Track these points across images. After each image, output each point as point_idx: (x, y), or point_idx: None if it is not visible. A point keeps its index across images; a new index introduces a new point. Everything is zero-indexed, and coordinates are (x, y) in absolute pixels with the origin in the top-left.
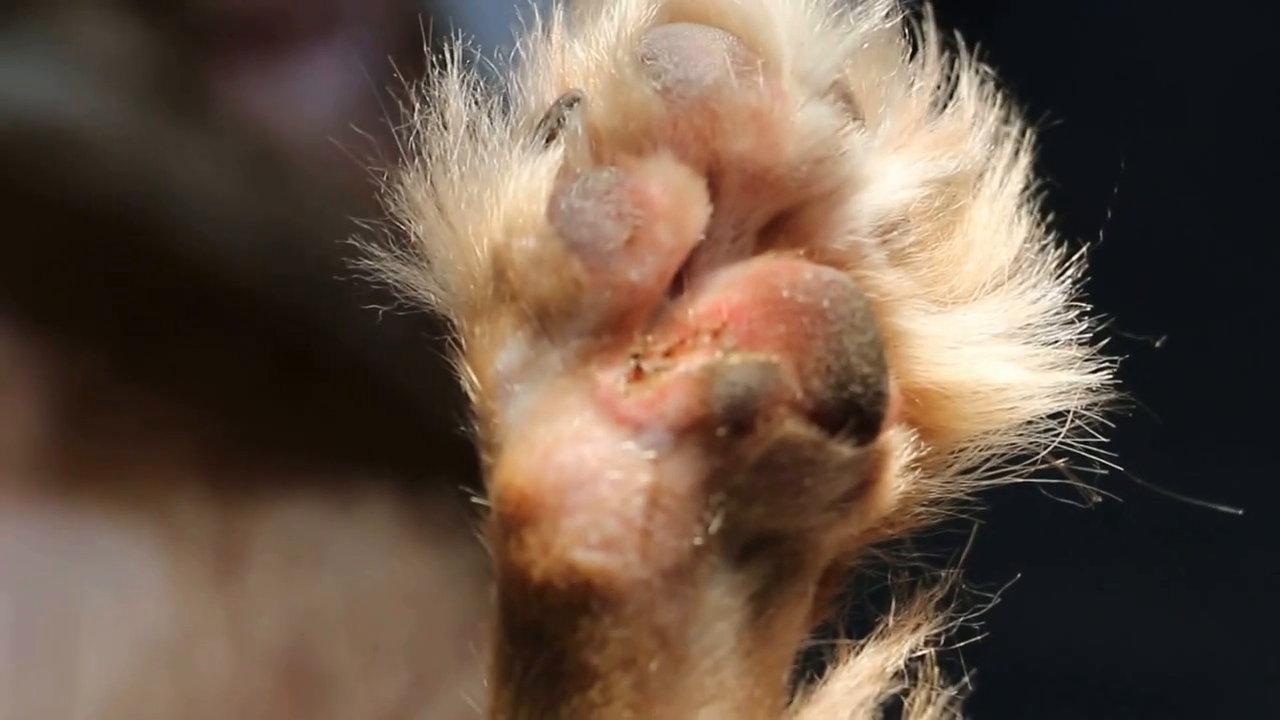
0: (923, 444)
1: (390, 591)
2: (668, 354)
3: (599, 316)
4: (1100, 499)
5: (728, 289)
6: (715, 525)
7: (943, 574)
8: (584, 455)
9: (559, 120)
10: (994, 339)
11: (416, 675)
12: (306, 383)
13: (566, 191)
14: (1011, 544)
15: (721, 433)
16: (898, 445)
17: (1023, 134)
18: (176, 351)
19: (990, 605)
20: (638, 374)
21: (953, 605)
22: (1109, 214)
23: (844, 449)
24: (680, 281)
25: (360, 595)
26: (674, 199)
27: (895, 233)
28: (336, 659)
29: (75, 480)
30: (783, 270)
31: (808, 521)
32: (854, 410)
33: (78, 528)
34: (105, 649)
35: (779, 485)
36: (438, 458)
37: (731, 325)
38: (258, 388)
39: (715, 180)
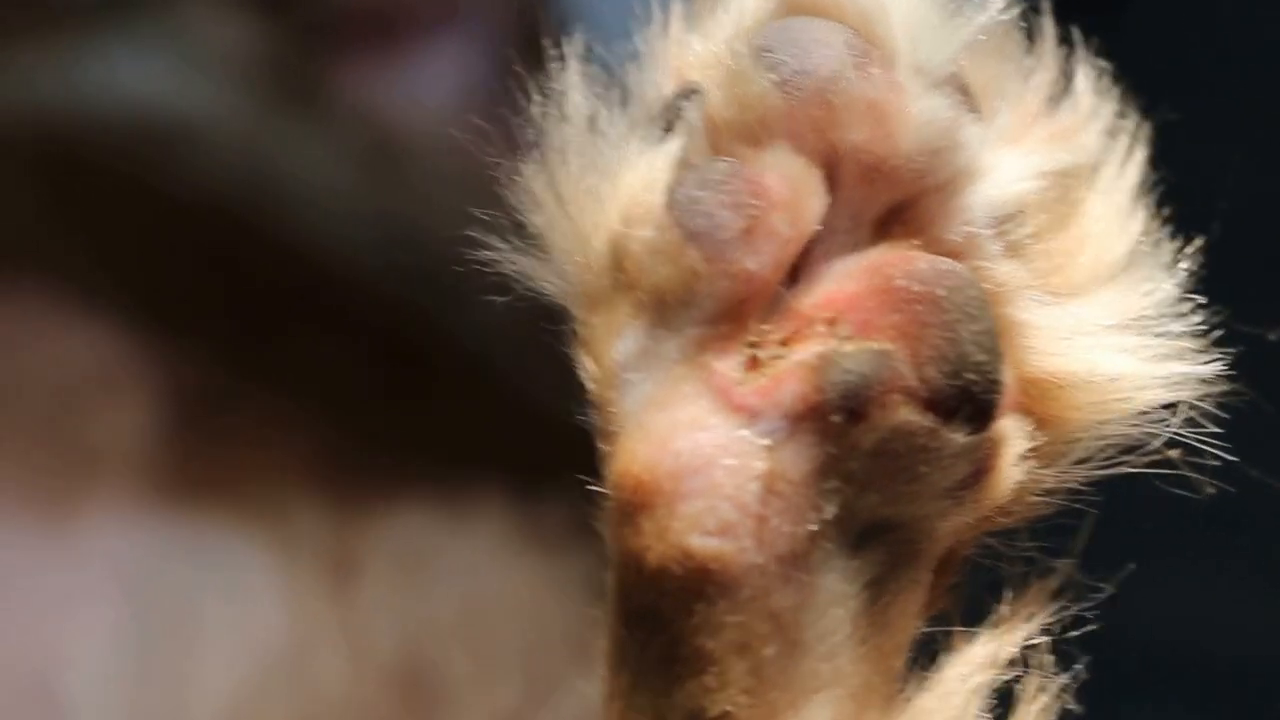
0: (1037, 433)
1: (504, 599)
2: (783, 343)
3: (715, 305)
4: (1214, 490)
5: (843, 279)
6: (830, 512)
7: (1057, 564)
8: (700, 442)
9: (676, 112)
10: (1108, 330)
11: (530, 683)
12: (421, 382)
13: (684, 182)
14: (1125, 534)
15: (836, 420)
16: (1012, 434)
17: (1138, 129)
18: (290, 349)
19: (1103, 595)
20: (753, 362)
21: (1067, 595)
22: (1223, 208)
23: (958, 436)
24: (796, 271)
25: (474, 603)
26: (790, 189)
27: (1010, 224)
28: (451, 668)
29: (189, 483)
30: (898, 260)
31: (922, 509)
32: (968, 398)
33: (193, 533)
34: (221, 658)
35: (893, 472)
36: (552, 460)
37: (846, 314)
38: (372, 387)
39: (831, 171)
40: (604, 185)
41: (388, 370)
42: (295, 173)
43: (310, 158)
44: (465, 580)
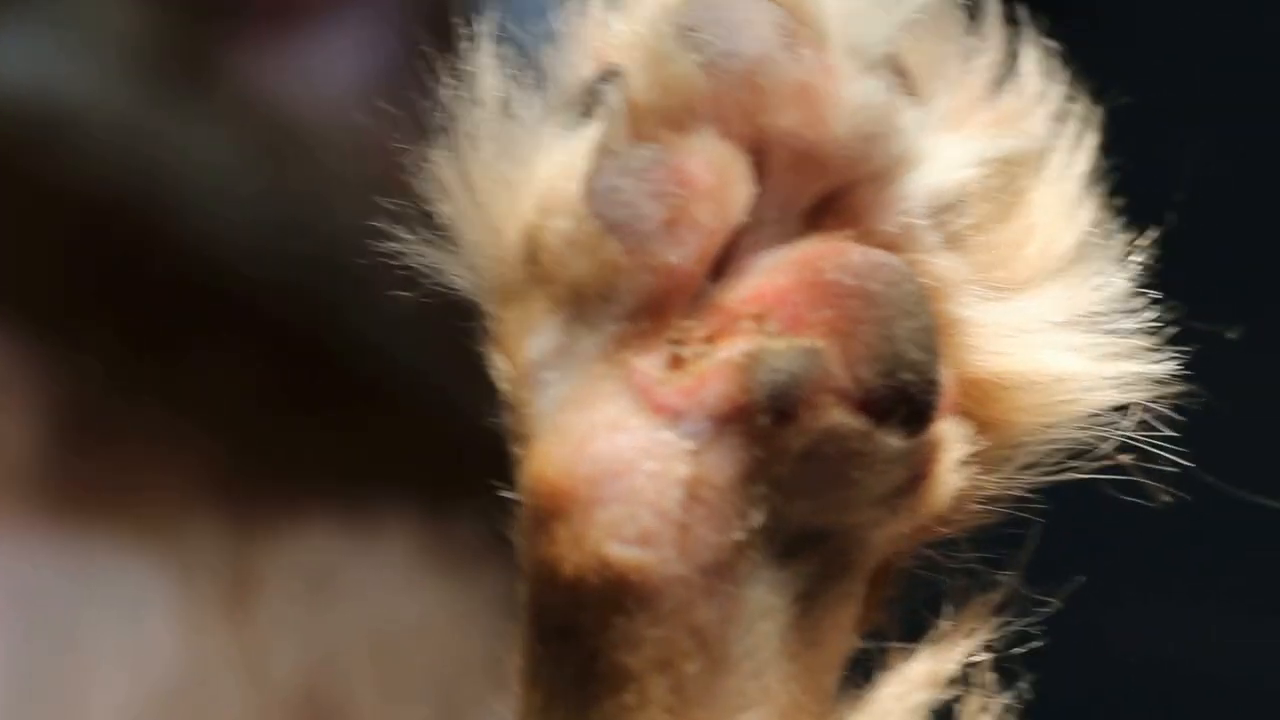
0: (979, 437)
1: (414, 621)
2: (708, 340)
3: (636, 300)
4: (1169, 498)
5: (772, 272)
6: (757, 520)
7: (1000, 576)
8: (619, 445)
9: (596, 96)
10: (1055, 327)
11: (442, 710)
12: (325, 389)
13: (603, 170)
14: (1074, 545)
15: (763, 422)
16: (951, 438)
17: (1089, 113)
18: (184, 355)
19: (1050, 610)
20: (676, 360)
21: (1011, 609)
22: (1180, 198)
23: (893, 440)
24: (722, 265)
25: (382, 625)
26: (716, 177)
27: (950, 214)
28: (356, 695)
29: (78, 501)
30: (830, 252)
31: (856, 517)
32: (904, 399)
33: (82, 552)
34: (112, 682)
35: (824, 478)
36: (465, 472)
37: (775, 310)
38: (273, 395)
39: (760, 158)
40: (518, 173)
41: (290, 377)
42: (189, 163)
43: (205, 147)
44: (373, 601)
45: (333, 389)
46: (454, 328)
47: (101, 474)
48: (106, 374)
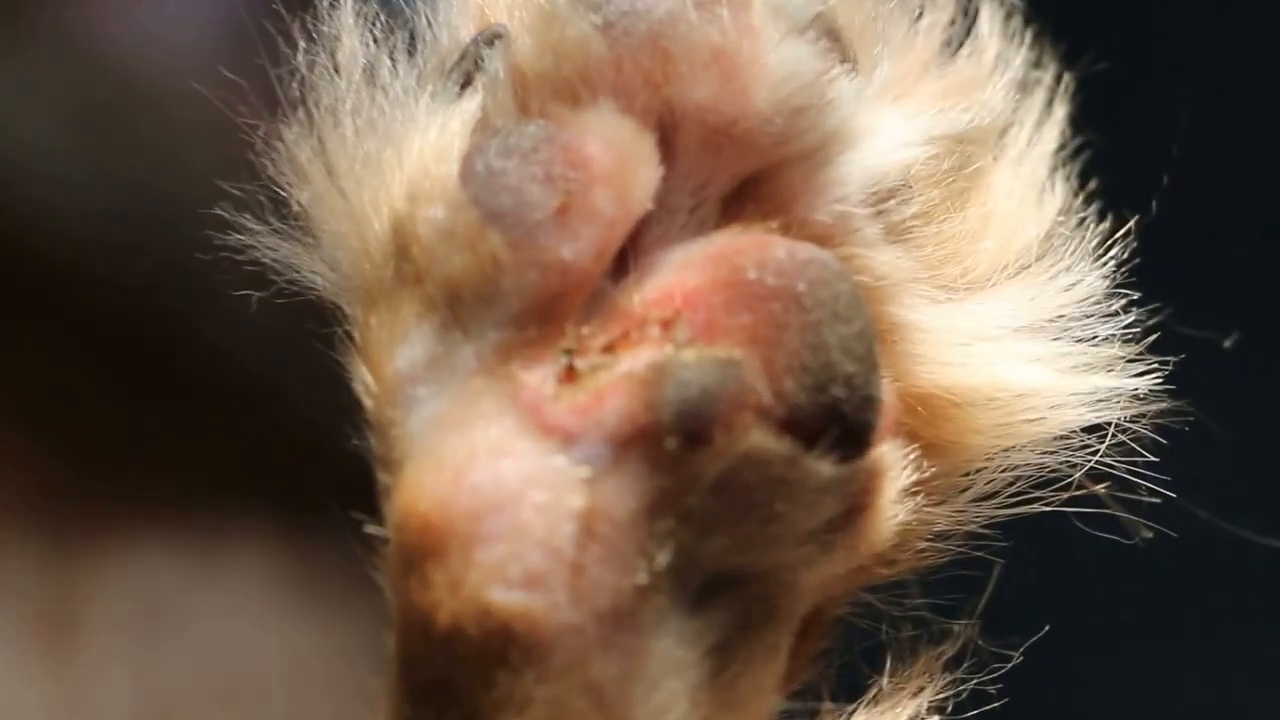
0: (927, 463)
1: (263, 659)
2: (607, 349)
3: (523, 303)
4: (1150, 533)
5: (683, 270)
6: (663, 559)
7: (953, 626)
8: (503, 473)
9: (476, 62)
10: (1016, 334)
11: None
12: (160, 396)
13: (484, 149)
14: (1038, 590)
15: (671, 445)
16: (894, 463)
17: (1058, 80)
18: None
19: (1010, 665)
20: (570, 373)
21: (964, 664)
22: (1164, 182)
23: (824, 466)
24: (624, 261)
25: (226, 665)
26: (616, 158)
27: (893, 201)
28: None
29: None
30: (750, 247)
31: (781, 557)
32: (835, 418)
33: None
34: None
35: (743, 511)
36: (325, 486)
37: (686, 314)
38: (101, 402)
39: (669, 136)
40: (386, 153)
41: (119, 382)
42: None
43: (18, 113)
44: (217, 635)
45: (170, 391)
46: (309, 333)
47: None
48: None
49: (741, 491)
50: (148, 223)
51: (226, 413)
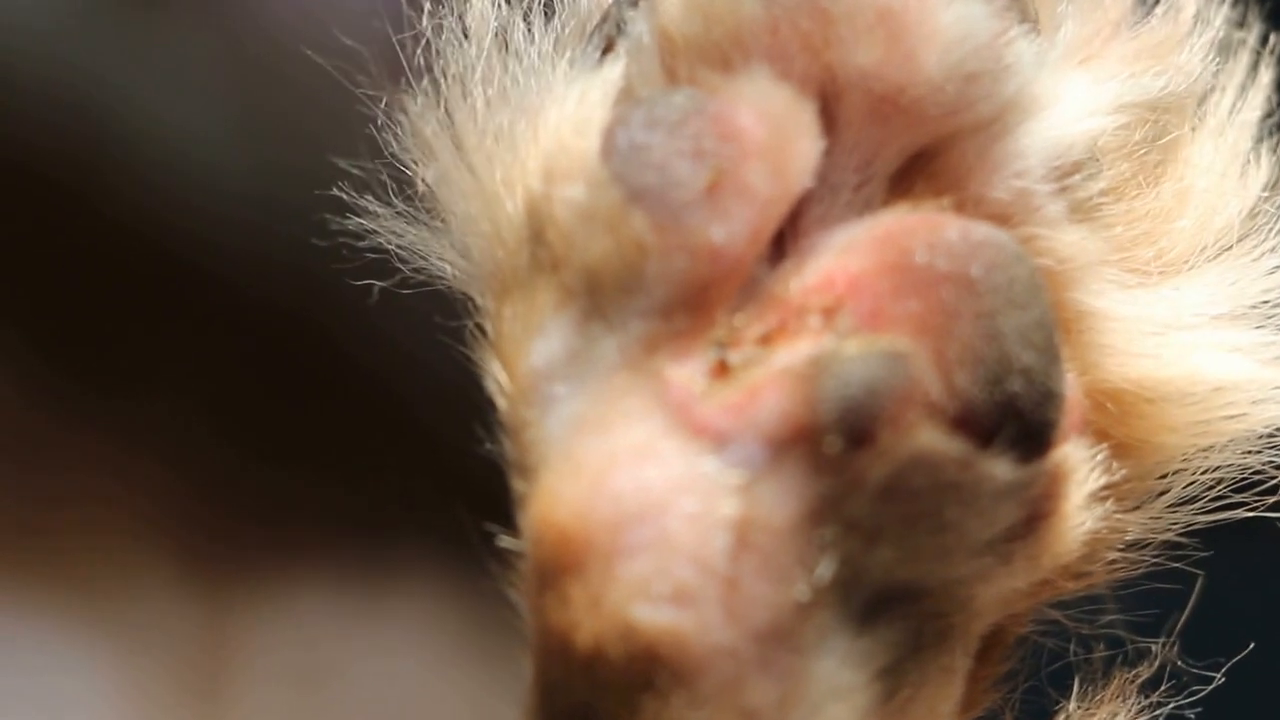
0: (1117, 465)
1: (437, 712)
2: (762, 341)
3: (670, 291)
4: None
5: (845, 253)
6: (825, 572)
7: (1150, 645)
8: (648, 478)
9: (618, 25)
10: (1215, 321)
11: None
12: (323, 423)
13: (627, 121)
14: (1243, 604)
15: (833, 446)
16: (1079, 465)
17: (1264, 41)
18: (129, 371)
19: (1212, 687)
20: (722, 368)
21: (1163, 687)
22: None
23: (1001, 468)
24: (781, 244)
25: (392, 716)
26: (772, 130)
27: (1079, 176)
28: None
29: None
30: (920, 227)
31: (955, 569)
32: (1013, 415)
33: None
34: None
35: (913, 518)
36: (498, 522)
37: (849, 301)
38: (251, 421)
39: (830, 106)
40: (519, 126)
41: (274, 406)
42: (140, 112)
43: (161, 93)
44: (380, 688)
45: (330, 420)
46: (439, 328)
47: (19, 527)
48: (29, 395)
49: (910, 497)
50: (308, 210)
51: (391, 442)
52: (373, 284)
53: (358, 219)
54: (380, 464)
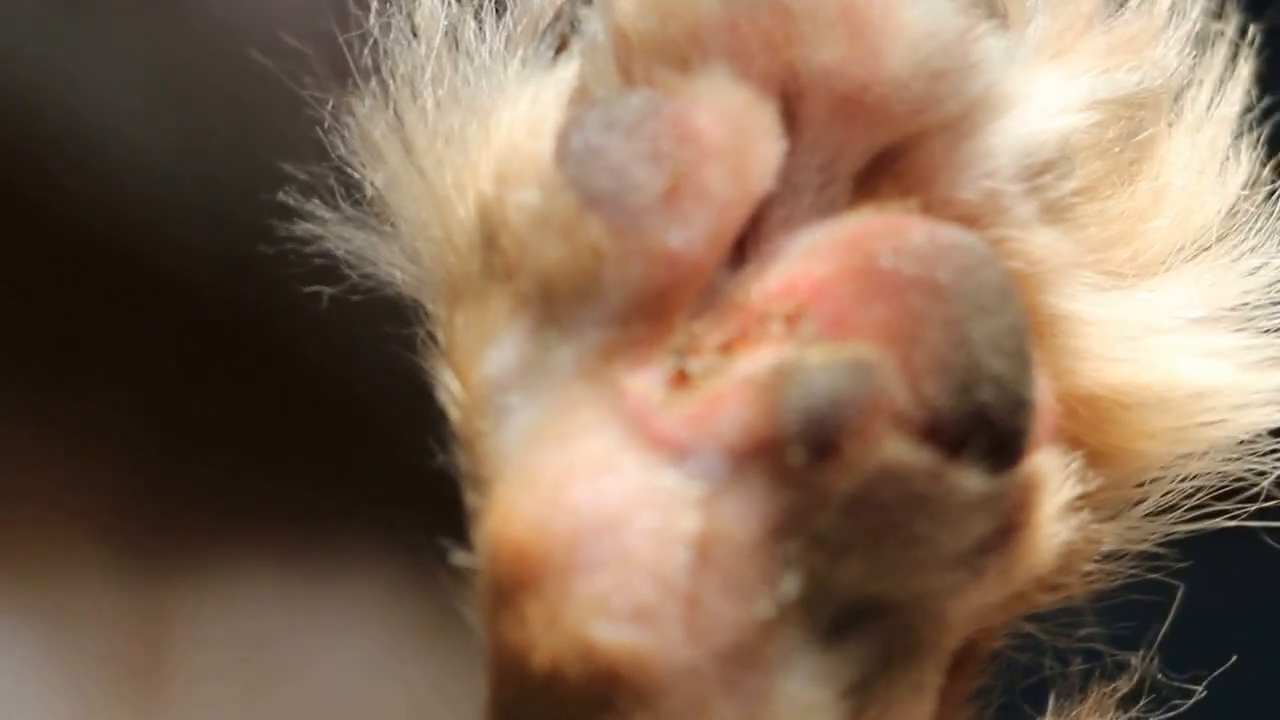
0: (1092, 473)
1: (387, 709)
2: (723, 349)
3: (627, 298)
4: None
5: (809, 257)
6: (790, 588)
7: (1129, 659)
8: (606, 492)
9: (572, 23)
10: (1194, 325)
11: None
12: (269, 405)
13: (582, 123)
14: (1226, 616)
15: (797, 458)
16: (1053, 475)
17: (1242, 33)
18: (66, 364)
19: (1193, 701)
20: (681, 378)
21: (1142, 702)
22: None
23: (971, 479)
24: (742, 249)
25: (345, 716)
26: (732, 131)
27: (1050, 176)
28: None
29: None
30: (885, 230)
31: (925, 583)
32: (983, 424)
33: None
34: None
35: (880, 531)
36: (454, 509)
37: (812, 307)
38: (196, 414)
39: (792, 106)
40: (471, 128)
41: (217, 389)
42: (73, 99)
43: (98, 74)
44: (328, 684)
45: (277, 401)
46: (388, 336)
47: None
48: None
49: (878, 509)
50: (250, 201)
51: (341, 425)
52: (322, 290)
53: (305, 224)
54: (327, 458)
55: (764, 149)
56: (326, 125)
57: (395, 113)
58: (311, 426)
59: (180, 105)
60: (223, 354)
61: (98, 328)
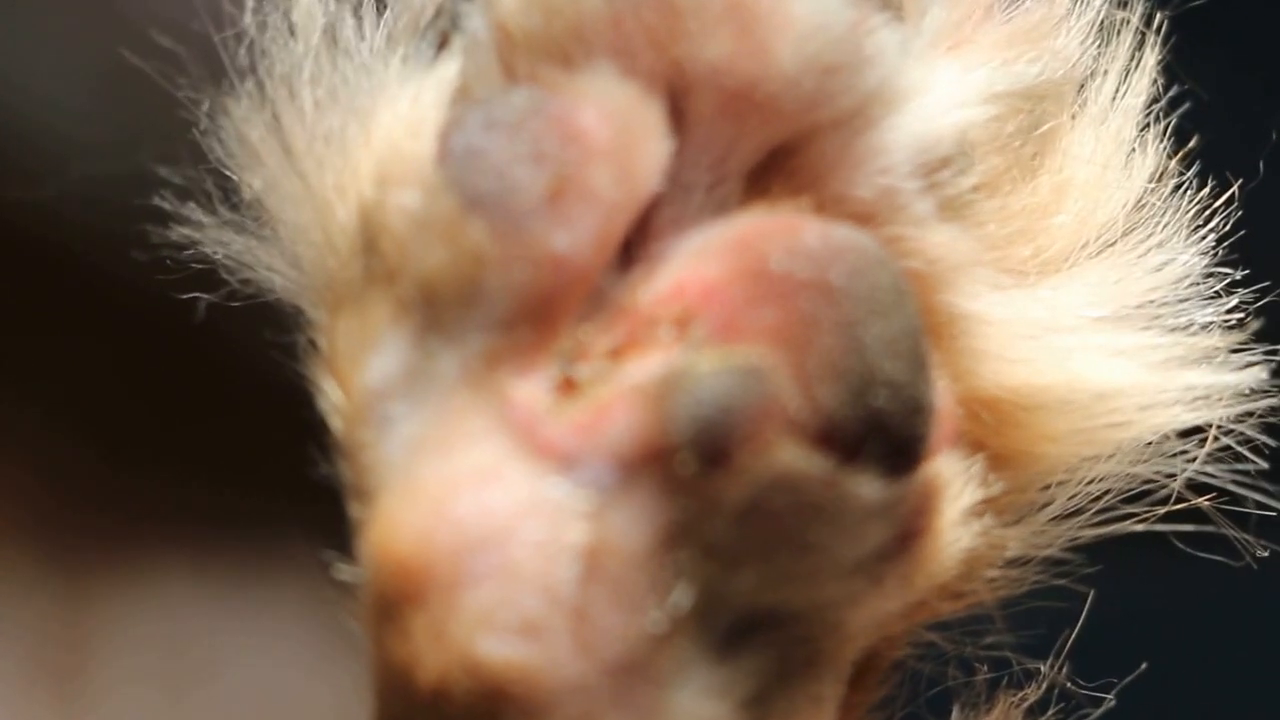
0: (994, 478)
1: (311, 712)
2: (611, 355)
3: (511, 303)
4: (1264, 551)
5: (698, 259)
6: (682, 600)
7: (1037, 666)
8: (491, 503)
9: (453, 20)
10: (1097, 323)
11: None
12: (190, 400)
13: (463, 123)
14: (1135, 622)
15: (687, 467)
16: (953, 480)
17: (1148, 22)
18: None
19: (1103, 709)
20: (568, 384)
21: (1050, 711)
22: (1274, 138)
23: (867, 486)
24: (629, 251)
25: (263, 716)
26: (617, 130)
27: (948, 172)
28: None
29: None
30: (777, 231)
31: (822, 593)
32: (878, 429)
33: None
34: None
35: (775, 541)
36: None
37: (702, 311)
38: (114, 409)
39: (680, 103)
40: (351, 129)
41: (137, 385)
42: (9, 96)
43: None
44: (251, 686)
45: (198, 396)
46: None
47: None
48: None
49: (771, 518)
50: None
51: (264, 421)
52: (199, 296)
53: (180, 229)
54: (250, 461)
55: (651, 148)
56: (202, 127)
57: (273, 114)
58: (233, 429)
59: (117, 102)
60: (149, 357)
61: (18, 328)
